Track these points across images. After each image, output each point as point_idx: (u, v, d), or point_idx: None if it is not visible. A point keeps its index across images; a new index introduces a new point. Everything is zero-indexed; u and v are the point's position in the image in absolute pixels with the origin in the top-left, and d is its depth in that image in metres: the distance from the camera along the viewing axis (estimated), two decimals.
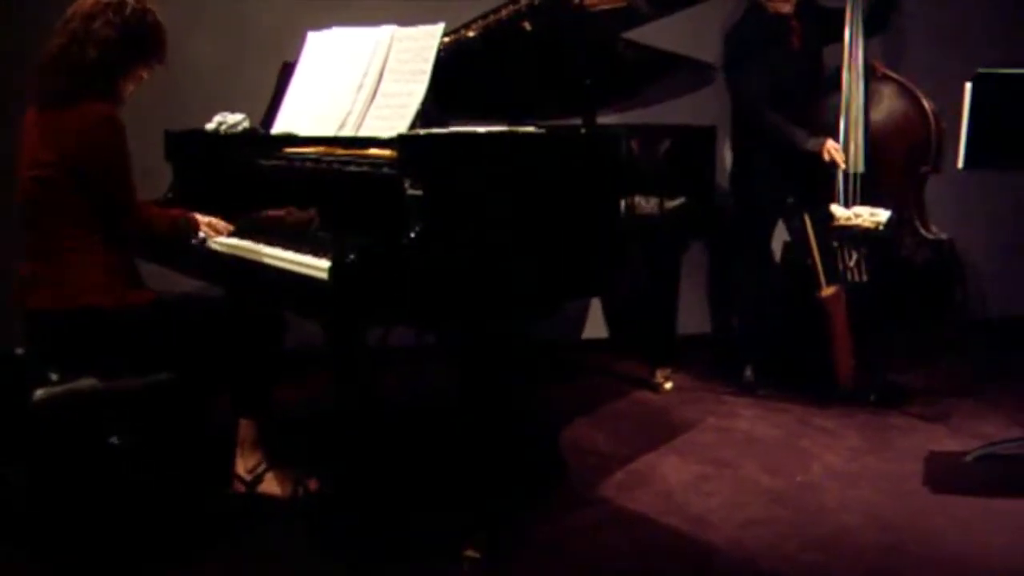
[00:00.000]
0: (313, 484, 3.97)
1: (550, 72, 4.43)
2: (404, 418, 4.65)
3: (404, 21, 3.89)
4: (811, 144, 5.13)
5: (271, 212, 3.85)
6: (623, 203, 4.28)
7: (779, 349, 5.54)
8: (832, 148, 5.09)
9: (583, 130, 4.15)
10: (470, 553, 3.54)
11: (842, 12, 5.17)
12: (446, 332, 3.67)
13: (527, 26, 4.25)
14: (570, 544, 3.76)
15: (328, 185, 3.70)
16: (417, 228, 3.16)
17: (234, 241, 3.77)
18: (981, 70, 4.14)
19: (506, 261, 3.40)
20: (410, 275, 3.16)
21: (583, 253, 3.71)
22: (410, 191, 3.20)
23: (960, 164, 4.22)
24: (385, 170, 3.37)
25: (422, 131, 3.51)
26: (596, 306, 6.42)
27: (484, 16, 4.25)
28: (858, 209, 5.03)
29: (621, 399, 5.41)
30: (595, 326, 6.41)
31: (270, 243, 3.60)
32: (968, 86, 4.15)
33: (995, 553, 3.68)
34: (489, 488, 3.70)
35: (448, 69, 3.74)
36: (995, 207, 6.46)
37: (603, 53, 4.53)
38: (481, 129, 3.61)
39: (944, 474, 4.36)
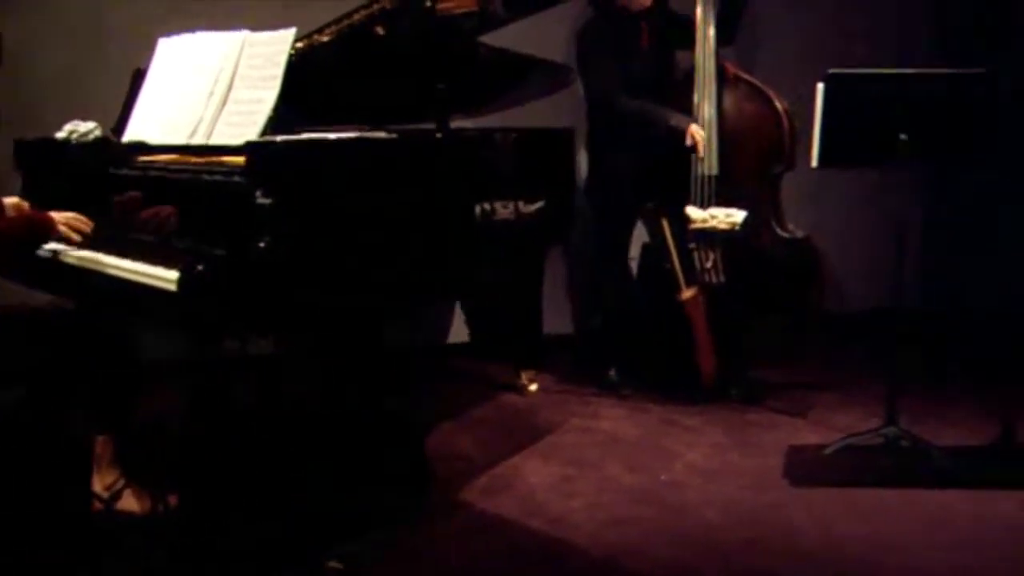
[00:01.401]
0: (173, 499, 3.91)
1: (405, 77, 4.40)
2: (263, 427, 4.58)
3: (258, 26, 3.83)
4: (676, 120, 5.15)
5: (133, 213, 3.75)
6: (479, 207, 4.28)
7: (642, 349, 5.59)
8: (696, 131, 5.11)
9: (437, 135, 4.13)
10: (333, 564, 3.51)
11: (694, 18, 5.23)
12: (302, 340, 3.63)
13: (380, 31, 4.22)
14: (434, 551, 3.75)
15: (181, 194, 3.61)
16: (267, 237, 3.12)
17: (82, 253, 3.66)
18: (832, 71, 4.23)
19: (358, 268, 3.38)
20: (260, 285, 3.12)
21: (437, 258, 3.71)
22: (259, 199, 3.15)
23: (814, 163, 4.32)
24: (236, 178, 3.31)
25: (277, 138, 3.45)
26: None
27: (338, 21, 4.21)
28: (714, 210, 5.08)
29: (486, 403, 5.42)
30: (461, 331, 6.39)
31: (118, 254, 3.52)
32: (820, 86, 4.24)
33: (854, 544, 3.76)
34: (351, 497, 3.67)
35: (302, 74, 3.70)
36: (850, 203, 6.59)
37: (458, 57, 4.51)
38: (332, 135, 3.57)
39: (804, 468, 4.45)
